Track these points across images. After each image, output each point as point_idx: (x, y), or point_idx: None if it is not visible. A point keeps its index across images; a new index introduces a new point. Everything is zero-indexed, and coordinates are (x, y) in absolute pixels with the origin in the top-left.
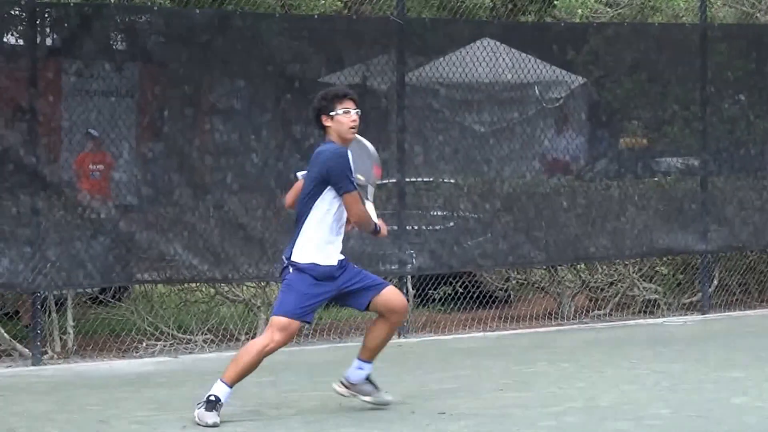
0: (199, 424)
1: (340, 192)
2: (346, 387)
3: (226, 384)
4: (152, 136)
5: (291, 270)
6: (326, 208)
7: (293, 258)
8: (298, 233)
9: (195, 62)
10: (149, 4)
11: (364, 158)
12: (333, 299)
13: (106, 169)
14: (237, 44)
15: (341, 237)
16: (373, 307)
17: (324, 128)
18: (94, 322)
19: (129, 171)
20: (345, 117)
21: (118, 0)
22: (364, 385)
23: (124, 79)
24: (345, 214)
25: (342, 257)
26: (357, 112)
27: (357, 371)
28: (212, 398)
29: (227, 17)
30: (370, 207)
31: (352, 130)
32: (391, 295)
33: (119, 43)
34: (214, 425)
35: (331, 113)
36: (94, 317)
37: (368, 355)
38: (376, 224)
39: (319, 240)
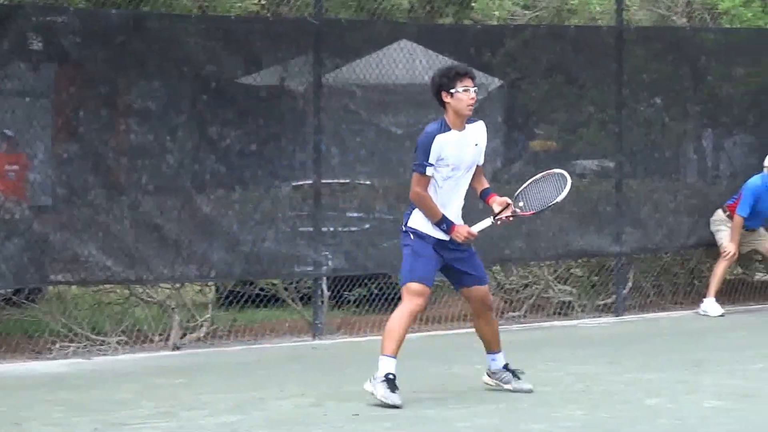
0: (384, 403)
1: (412, 165)
2: (489, 376)
3: (391, 356)
4: (67, 137)
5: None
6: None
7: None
8: None
9: (111, 63)
10: (65, 5)
11: (546, 193)
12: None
13: (20, 170)
14: (153, 45)
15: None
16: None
17: (443, 104)
18: (7, 323)
19: (44, 172)
20: (464, 95)
21: (33, 0)
22: (503, 374)
23: (39, 80)
24: (452, 193)
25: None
26: (476, 90)
27: (492, 362)
28: (390, 377)
29: (143, 18)
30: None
31: (470, 107)
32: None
33: (35, 43)
34: (400, 406)
35: (452, 90)
36: (7, 318)
37: (489, 347)
38: (447, 221)
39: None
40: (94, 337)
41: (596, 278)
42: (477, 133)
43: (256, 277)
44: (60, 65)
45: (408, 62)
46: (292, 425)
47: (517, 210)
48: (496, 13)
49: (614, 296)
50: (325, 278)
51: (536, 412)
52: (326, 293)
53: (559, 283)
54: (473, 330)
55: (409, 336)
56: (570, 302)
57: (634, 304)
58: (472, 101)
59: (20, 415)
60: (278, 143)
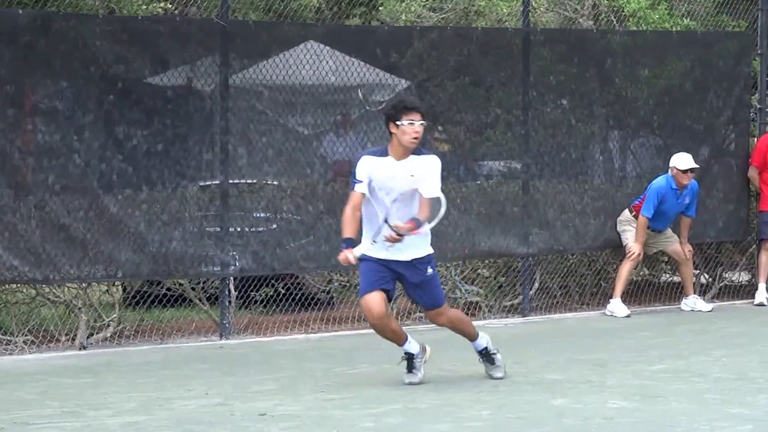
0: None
1: None
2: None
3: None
4: None
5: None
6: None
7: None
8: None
9: (17, 63)
10: None
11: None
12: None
13: None
14: (59, 45)
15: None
16: None
17: (390, 133)
18: None
19: None
20: (409, 127)
21: None
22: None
23: None
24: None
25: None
26: (421, 124)
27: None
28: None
29: (49, 18)
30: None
31: (413, 140)
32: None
33: None
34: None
35: (397, 122)
36: None
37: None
38: (343, 243)
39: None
40: (0, 336)
41: (503, 279)
42: (419, 165)
43: (163, 277)
44: None
45: (315, 63)
46: (197, 425)
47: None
48: (403, 15)
49: (521, 297)
50: (232, 278)
51: (442, 412)
52: (233, 293)
53: (466, 283)
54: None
55: (312, 336)
56: (477, 303)
57: (541, 304)
58: (416, 134)
59: None
60: (185, 143)
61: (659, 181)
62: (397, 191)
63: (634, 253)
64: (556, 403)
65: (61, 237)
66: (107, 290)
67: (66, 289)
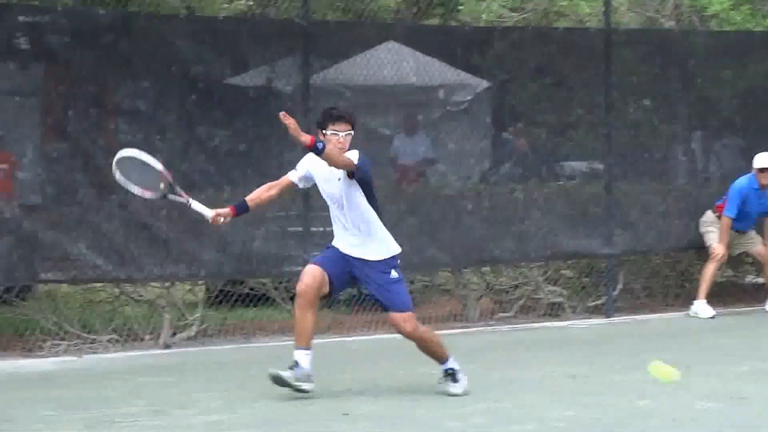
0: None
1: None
2: None
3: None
4: (57, 136)
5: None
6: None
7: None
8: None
9: (99, 63)
10: (53, 4)
11: (149, 173)
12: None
13: (10, 169)
14: (141, 45)
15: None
16: None
17: None
18: None
19: (33, 170)
20: (332, 137)
21: (21, 0)
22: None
23: (28, 79)
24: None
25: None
26: (347, 134)
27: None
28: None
29: (131, 18)
30: (198, 206)
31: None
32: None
33: (23, 43)
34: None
35: (324, 131)
36: None
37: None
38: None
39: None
40: (84, 335)
41: (586, 280)
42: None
43: (246, 276)
44: (48, 65)
45: (395, 63)
46: (280, 424)
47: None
48: (483, 15)
49: (604, 298)
50: None
51: (527, 412)
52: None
53: (549, 284)
54: (461, 331)
55: (395, 336)
56: (560, 303)
57: (624, 305)
58: (339, 144)
59: (11, 413)
60: (267, 143)
61: (741, 181)
62: (334, 196)
63: (717, 254)
64: (642, 403)
65: (144, 236)
66: (190, 289)
67: (149, 288)
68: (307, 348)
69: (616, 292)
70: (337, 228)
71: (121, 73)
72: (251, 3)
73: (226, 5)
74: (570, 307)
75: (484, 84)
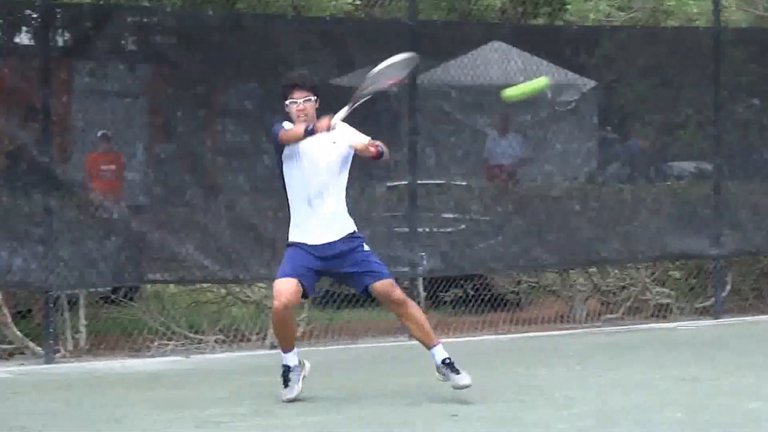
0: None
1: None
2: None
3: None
4: (164, 137)
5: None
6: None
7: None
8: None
9: (207, 63)
10: (161, 5)
11: (390, 71)
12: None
13: (118, 169)
14: (249, 45)
15: (316, 213)
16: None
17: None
18: (106, 321)
19: (141, 171)
20: (291, 107)
21: (130, 1)
22: (441, 369)
23: (136, 80)
24: (311, 187)
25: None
26: (305, 100)
27: (432, 357)
28: (447, 361)
29: (239, 18)
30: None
31: (299, 118)
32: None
33: (131, 44)
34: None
35: (286, 102)
36: (106, 316)
37: (423, 343)
38: (308, 127)
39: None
40: (191, 335)
41: (694, 281)
42: (338, 133)
43: None
44: (156, 65)
45: (502, 63)
46: (388, 425)
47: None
48: (591, 15)
49: (712, 299)
50: (420, 279)
51: (634, 414)
52: (422, 294)
53: (656, 285)
54: (568, 332)
55: (502, 337)
56: (668, 304)
57: (733, 306)
58: (299, 112)
59: (119, 413)
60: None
61: None
62: (324, 163)
63: None
64: (753, 406)
65: (251, 237)
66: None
67: (256, 288)
68: (292, 349)
69: (724, 294)
70: (305, 211)
71: (229, 73)
72: (358, 2)
73: (333, 2)
74: (678, 308)
75: (591, 84)
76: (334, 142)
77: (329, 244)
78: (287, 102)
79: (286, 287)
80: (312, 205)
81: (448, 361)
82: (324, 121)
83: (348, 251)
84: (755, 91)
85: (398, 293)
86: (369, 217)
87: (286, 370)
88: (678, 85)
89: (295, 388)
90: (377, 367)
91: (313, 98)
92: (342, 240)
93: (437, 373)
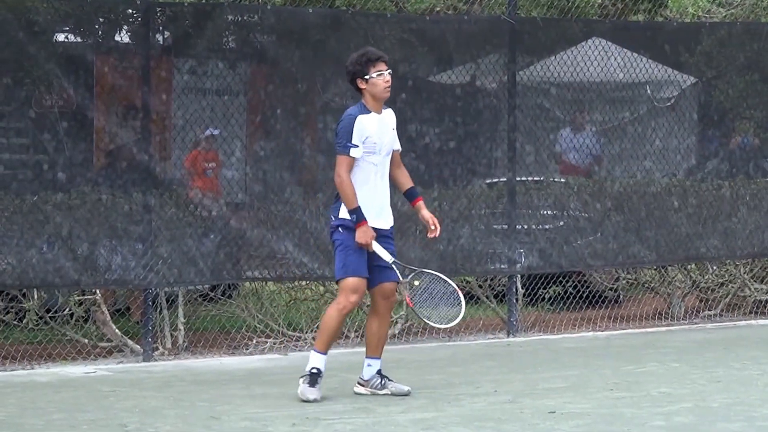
0: (300, 398)
1: (335, 149)
2: (361, 385)
3: (321, 352)
4: (263, 135)
5: (339, 229)
6: None
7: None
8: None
9: (307, 61)
10: (262, 2)
11: (436, 303)
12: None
13: (217, 167)
14: (349, 43)
15: (376, 201)
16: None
17: (359, 90)
18: (204, 318)
19: (240, 169)
20: (379, 79)
21: None
22: (375, 380)
23: (236, 78)
24: (378, 178)
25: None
26: (389, 73)
27: (367, 368)
28: (314, 371)
29: (339, 16)
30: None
31: (386, 90)
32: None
33: (231, 41)
34: (314, 401)
35: (366, 77)
36: (204, 314)
37: (372, 350)
38: (359, 213)
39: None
40: (290, 333)
41: None
42: (391, 118)
43: (450, 274)
44: (256, 63)
45: (601, 60)
46: (487, 422)
47: (406, 284)
48: (690, 9)
49: None
50: (519, 276)
51: (733, 411)
52: (521, 291)
53: (755, 281)
54: (666, 329)
55: (600, 334)
56: (767, 301)
57: None
58: (387, 84)
59: (218, 410)
60: (475, 141)
61: None
62: (386, 148)
63: None
64: None
65: None
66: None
67: None
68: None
69: None
70: (369, 194)
71: (329, 71)
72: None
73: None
74: None
75: (691, 80)
76: (393, 129)
77: (378, 230)
78: (373, 74)
79: (362, 288)
80: (375, 189)
81: (381, 372)
82: (368, 238)
83: (385, 240)
84: None
85: (393, 299)
86: (468, 214)
87: (318, 373)
88: None
89: (319, 393)
90: (474, 365)
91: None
92: (386, 231)
93: (362, 387)
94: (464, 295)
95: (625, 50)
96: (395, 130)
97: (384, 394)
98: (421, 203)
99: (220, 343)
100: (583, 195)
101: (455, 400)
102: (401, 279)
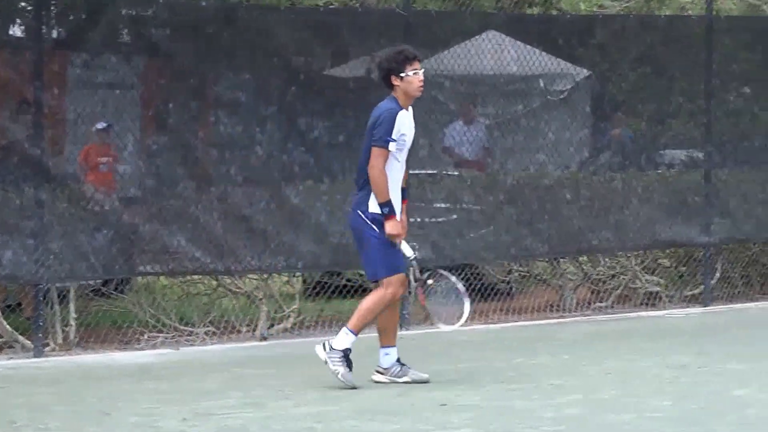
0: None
1: (372, 140)
2: (380, 374)
3: (354, 333)
4: (157, 129)
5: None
6: None
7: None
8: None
9: (200, 55)
10: None
11: (446, 308)
12: None
13: (110, 162)
14: (242, 36)
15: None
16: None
17: (392, 87)
18: (96, 314)
19: (133, 163)
20: (414, 78)
21: None
22: (396, 368)
23: (130, 72)
24: (399, 173)
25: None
26: (423, 71)
27: (385, 357)
28: (348, 353)
29: (233, 9)
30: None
31: (420, 89)
32: None
33: (125, 35)
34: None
35: (401, 74)
36: (96, 309)
37: (387, 340)
38: (391, 206)
39: None
40: (182, 327)
41: (684, 269)
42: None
43: (343, 267)
44: (150, 57)
45: (496, 53)
46: (378, 415)
47: (421, 282)
48: (582, 5)
49: (702, 287)
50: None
51: (623, 402)
52: (413, 284)
53: (646, 273)
54: (558, 321)
55: (492, 326)
56: (657, 293)
57: (722, 294)
58: (421, 83)
59: (109, 405)
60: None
61: None
62: (409, 145)
63: None
64: (739, 393)
65: (243, 228)
66: (288, 281)
67: (247, 280)
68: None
69: (713, 281)
70: (394, 189)
71: (222, 65)
72: None
73: None
74: (667, 296)
75: (584, 73)
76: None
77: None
78: (409, 72)
79: (405, 280)
80: (397, 185)
81: (400, 360)
82: (399, 230)
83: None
84: (746, 80)
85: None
86: None
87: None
88: (670, 74)
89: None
90: (368, 357)
91: None
92: None
93: (381, 376)
94: (357, 288)
95: (520, 43)
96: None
97: (404, 382)
98: (403, 206)
99: (112, 338)
100: (476, 188)
101: (347, 393)
102: (418, 276)
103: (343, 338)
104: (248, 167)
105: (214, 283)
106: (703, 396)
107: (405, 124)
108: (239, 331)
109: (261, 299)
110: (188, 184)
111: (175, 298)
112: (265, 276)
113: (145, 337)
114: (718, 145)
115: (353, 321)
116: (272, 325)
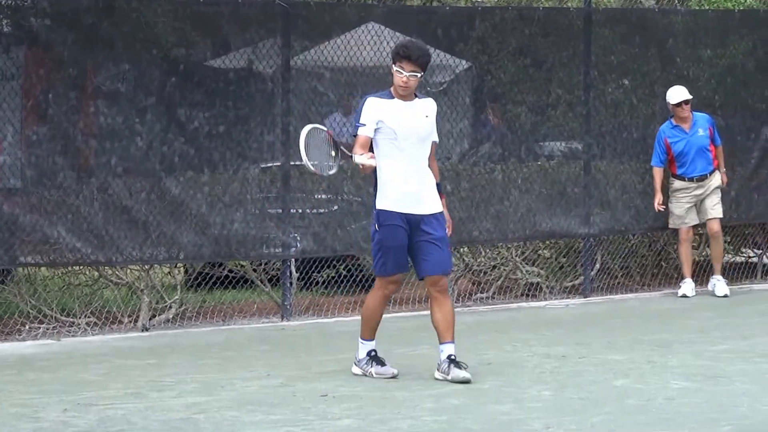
0: (383, 377)
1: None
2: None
3: (368, 341)
4: (37, 119)
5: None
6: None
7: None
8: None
9: (79, 45)
10: None
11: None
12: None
13: None
14: (122, 27)
15: (411, 185)
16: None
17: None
18: None
19: (13, 154)
20: (396, 75)
21: None
22: (444, 364)
23: (9, 62)
24: (406, 162)
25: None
26: (411, 75)
27: (441, 353)
28: (373, 353)
29: (112, 0)
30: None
31: (401, 87)
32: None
33: (4, 25)
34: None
35: (393, 66)
36: None
37: (446, 338)
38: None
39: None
40: (63, 318)
41: (564, 260)
42: (427, 107)
43: (224, 258)
44: (29, 47)
45: (375, 44)
46: (260, 406)
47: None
48: (462, 3)
49: (582, 278)
50: (293, 260)
51: (504, 392)
52: (295, 275)
53: (527, 264)
54: None
55: None
56: (538, 284)
57: (602, 285)
58: (403, 84)
59: None
60: (247, 125)
61: (661, 127)
62: (419, 135)
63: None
64: (618, 383)
65: (124, 219)
66: (169, 272)
67: (128, 271)
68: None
69: (593, 272)
70: (400, 181)
71: (102, 55)
72: None
73: None
74: (547, 287)
75: (464, 65)
76: (426, 116)
77: (413, 215)
78: (395, 68)
79: (400, 278)
80: (407, 177)
81: (454, 357)
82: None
83: (428, 224)
84: (625, 72)
85: (441, 288)
86: (243, 198)
87: (375, 351)
88: (549, 66)
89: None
90: (248, 349)
91: (419, 74)
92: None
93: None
94: (238, 280)
95: (400, 35)
96: (429, 118)
97: (450, 380)
98: (443, 201)
99: None
100: (357, 179)
101: (228, 384)
102: (319, 172)
103: (361, 347)
104: (129, 158)
105: (96, 273)
106: (582, 386)
107: (383, 110)
108: (121, 322)
109: (143, 290)
110: (68, 175)
111: (57, 289)
112: (147, 267)
113: (27, 327)
114: (597, 136)
115: (360, 329)
116: (154, 316)
